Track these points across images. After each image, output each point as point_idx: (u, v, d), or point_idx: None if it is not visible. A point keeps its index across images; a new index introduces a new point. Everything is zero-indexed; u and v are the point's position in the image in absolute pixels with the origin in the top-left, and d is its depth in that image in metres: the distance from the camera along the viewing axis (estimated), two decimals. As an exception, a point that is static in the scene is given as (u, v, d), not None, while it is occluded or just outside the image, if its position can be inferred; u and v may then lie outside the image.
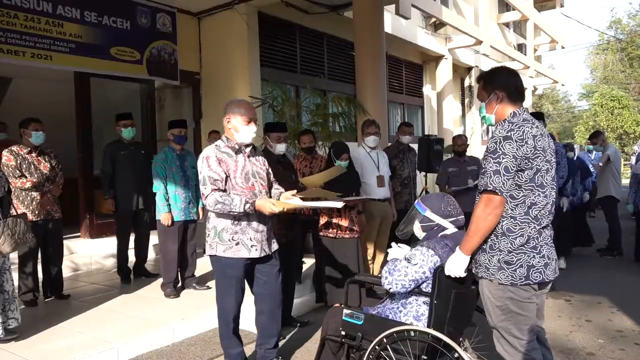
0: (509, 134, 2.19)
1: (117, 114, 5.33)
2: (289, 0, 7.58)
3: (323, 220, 4.54)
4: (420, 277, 2.48)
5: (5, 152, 4.41)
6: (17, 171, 4.40)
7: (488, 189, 2.18)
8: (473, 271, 2.38)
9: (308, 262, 5.60)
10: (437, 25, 11.75)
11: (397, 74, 11.48)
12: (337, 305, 2.86)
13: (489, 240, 2.28)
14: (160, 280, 4.94)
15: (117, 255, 5.35)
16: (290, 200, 3.08)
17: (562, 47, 19.42)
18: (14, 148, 4.49)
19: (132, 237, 5.41)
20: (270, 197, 3.24)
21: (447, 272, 2.33)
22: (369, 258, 5.25)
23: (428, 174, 7.72)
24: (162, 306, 4.47)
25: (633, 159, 7.34)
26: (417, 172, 6.49)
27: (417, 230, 2.74)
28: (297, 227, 4.49)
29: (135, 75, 6.98)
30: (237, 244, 3.01)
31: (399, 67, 11.57)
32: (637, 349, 3.67)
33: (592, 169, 8.53)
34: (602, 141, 7.25)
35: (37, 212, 4.46)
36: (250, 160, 3.12)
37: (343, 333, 2.69)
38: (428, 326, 2.39)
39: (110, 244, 6.02)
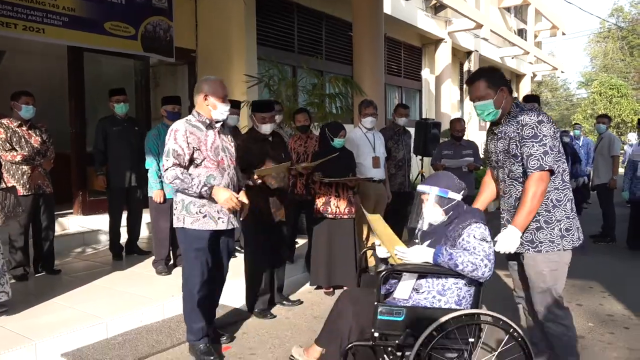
0: (540, 117, 2.49)
1: (110, 89, 5.25)
2: (287, -23, 7.44)
3: (320, 201, 4.51)
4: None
5: (-7, 126, 4.34)
6: (7, 144, 4.34)
7: (544, 169, 2.46)
8: (522, 250, 2.59)
9: (301, 243, 5.60)
10: (437, 8, 11.62)
11: (395, 56, 11.37)
12: (343, 303, 2.64)
13: (541, 216, 2.55)
14: (152, 258, 4.92)
15: (109, 232, 5.32)
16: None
17: (563, 34, 19.30)
18: (4, 121, 4.43)
19: (125, 215, 5.38)
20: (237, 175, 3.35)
21: (497, 249, 2.45)
22: (363, 239, 5.25)
23: (424, 158, 7.69)
24: (153, 283, 4.45)
25: (627, 148, 7.30)
26: (413, 155, 6.46)
27: (439, 215, 2.56)
28: (290, 207, 4.47)
29: (130, 51, 6.85)
30: (205, 216, 3.10)
31: (398, 49, 11.46)
32: (626, 332, 3.69)
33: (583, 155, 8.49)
34: (608, 125, 7.25)
35: (27, 186, 4.41)
36: (220, 136, 3.22)
37: (376, 335, 2.34)
38: (474, 307, 2.44)
39: (102, 221, 5.97)
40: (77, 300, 3.94)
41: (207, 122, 3.15)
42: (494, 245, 2.44)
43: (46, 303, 3.86)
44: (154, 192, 4.66)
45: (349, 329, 2.53)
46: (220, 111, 3.15)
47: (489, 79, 2.59)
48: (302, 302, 4.32)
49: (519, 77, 18.17)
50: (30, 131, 4.52)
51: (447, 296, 2.44)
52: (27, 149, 4.43)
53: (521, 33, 16.66)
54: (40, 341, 3.14)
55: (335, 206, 4.49)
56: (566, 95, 42.00)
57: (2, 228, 3.89)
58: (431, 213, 2.58)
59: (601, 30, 34.48)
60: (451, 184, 2.60)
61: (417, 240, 2.67)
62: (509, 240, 2.49)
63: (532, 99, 5.44)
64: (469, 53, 13.86)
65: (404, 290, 2.52)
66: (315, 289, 4.73)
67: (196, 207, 3.09)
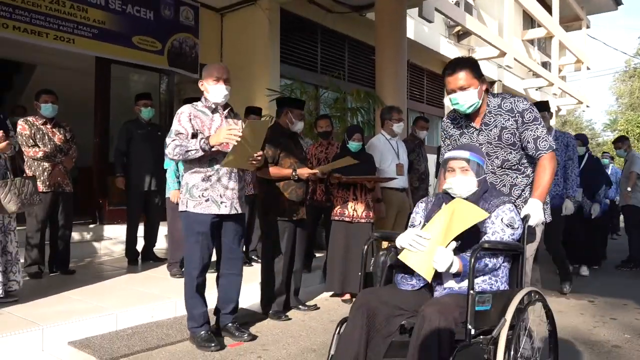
0: (528, 102, 2.56)
1: (137, 94, 5.34)
2: (311, -3, 7.58)
3: (338, 204, 4.41)
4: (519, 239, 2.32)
5: (20, 121, 4.41)
6: (31, 140, 4.39)
7: (553, 148, 2.51)
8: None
9: (318, 256, 5.46)
10: (461, 36, 11.68)
11: (418, 82, 11.38)
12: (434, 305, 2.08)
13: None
14: (167, 264, 4.84)
15: (126, 236, 5.27)
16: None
17: (588, 68, 19.12)
18: (30, 118, 4.50)
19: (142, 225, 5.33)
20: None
21: (532, 223, 2.36)
22: (383, 247, 5.08)
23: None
24: (166, 284, 4.36)
25: None
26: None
27: (474, 186, 2.31)
28: (309, 209, 4.37)
29: (156, 65, 7.01)
30: (207, 200, 3.09)
31: (420, 75, 11.48)
32: (667, 344, 3.42)
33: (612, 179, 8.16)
34: (627, 147, 7.02)
35: (47, 183, 4.42)
36: (227, 120, 3.22)
37: (473, 332, 1.97)
38: (517, 285, 2.31)
39: (120, 231, 5.94)
40: (89, 294, 3.86)
41: (213, 106, 3.20)
42: (524, 222, 2.33)
43: (57, 296, 3.80)
44: (171, 193, 4.62)
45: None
46: (214, 93, 3.15)
47: (473, 69, 2.49)
48: (318, 308, 4.16)
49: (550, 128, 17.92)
50: (54, 129, 4.57)
51: (499, 276, 2.29)
52: (49, 146, 4.47)
53: (545, 66, 16.57)
54: (48, 327, 3.06)
55: (353, 209, 4.37)
56: (591, 135, 41.42)
57: (17, 221, 3.87)
58: (469, 183, 2.31)
59: (627, 69, 34.22)
60: (483, 154, 2.44)
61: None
62: (539, 211, 2.38)
63: (543, 107, 5.04)
64: (492, 83, 13.80)
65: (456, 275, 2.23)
66: (331, 296, 4.56)
67: (199, 191, 3.09)
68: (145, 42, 6.78)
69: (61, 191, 4.56)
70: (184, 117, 3.09)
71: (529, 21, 15.59)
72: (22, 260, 3.80)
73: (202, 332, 3.14)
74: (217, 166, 3.09)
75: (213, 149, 3.03)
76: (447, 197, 2.38)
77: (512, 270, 2.34)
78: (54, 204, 4.52)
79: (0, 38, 5.56)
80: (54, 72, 7.47)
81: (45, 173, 4.43)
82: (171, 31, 7.09)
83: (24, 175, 3.84)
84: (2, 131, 3.47)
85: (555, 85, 15.73)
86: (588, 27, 19.22)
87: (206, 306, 3.20)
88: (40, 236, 4.46)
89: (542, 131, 2.50)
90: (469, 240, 2.17)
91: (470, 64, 2.50)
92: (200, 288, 3.17)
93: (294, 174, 3.73)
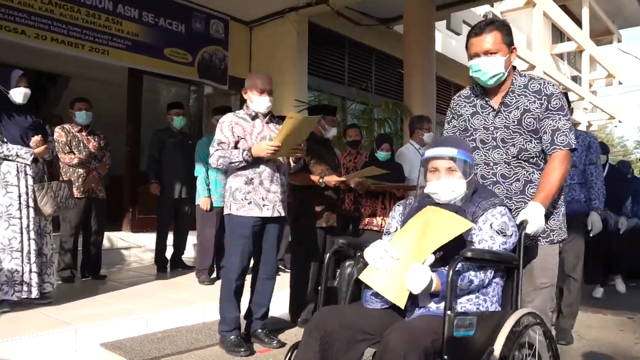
0: (558, 88, 2.19)
1: (169, 103, 5.43)
2: (339, 10, 7.63)
3: (366, 214, 4.38)
4: (512, 249, 1.93)
5: (57, 129, 4.52)
6: (67, 147, 4.49)
7: (572, 147, 2.13)
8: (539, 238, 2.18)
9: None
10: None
11: (446, 96, 11.29)
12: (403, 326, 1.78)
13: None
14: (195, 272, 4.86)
15: (155, 243, 5.32)
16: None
17: (620, 83, 18.78)
18: (66, 125, 4.62)
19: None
20: (289, 164, 3.36)
21: (530, 230, 1.96)
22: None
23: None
24: (194, 290, 4.37)
25: None
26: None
27: (462, 189, 1.95)
28: (337, 218, 4.34)
29: (186, 77, 7.13)
30: (250, 203, 3.12)
31: (448, 88, 11.41)
32: None
33: None
34: None
35: (82, 189, 4.50)
36: (268, 126, 3.28)
37: None
38: (512, 307, 1.91)
39: (149, 238, 6.01)
40: (119, 298, 3.90)
41: (253, 114, 3.24)
42: (519, 229, 1.95)
43: (89, 299, 3.85)
44: (201, 200, 4.66)
45: None
46: (257, 104, 3.21)
47: (505, 31, 2.11)
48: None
49: (573, 126, 17.64)
50: (89, 136, 4.67)
51: (489, 295, 1.89)
52: (84, 153, 4.56)
53: (575, 80, 16.33)
54: (81, 328, 3.09)
55: (382, 219, 4.32)
56: (624, 152, 40.51)
57: (51, 223, 3.94)
58: (456, 186, 1.94)
59: (659, 84, 33.49)
60: (469, 148, 2.07)
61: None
62: (539, 217, 1.98)
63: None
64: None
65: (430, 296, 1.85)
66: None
67: (242, 194, 3.12)
68: (177, 54, 6.92)
69: (94, 197, 4.65)
70: (225, 126, 3.15)
71: (558, 35, 15.42)
72: (55, 264, 3.85)
73: (232, 337, 3.13)
74: (259, 169, 3.12)
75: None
76: (430, 201, 2.01)
77: (506, 288, 1.96)
78: (87, 210, 4.60)
79: (39, 50, 5.75)
80: (87, 83, 7.67)
81: (80, 179, 4.52)
82: (202, 43, 7.22)
83: (60, 179, 3.92)
84: (40, 136, 3.56)
85: (586, 100, 15.48)
86: (619, 41, 18.92)
87: (239, 312, 3.20)
88: (73, 241, 4.54)
89: (564, 124, 2.12)
90: (451, 251, 1.75)
91: (501, 25, 2.12)
92: (238, 292, 3.18)
93: (321, 180, 3.72)
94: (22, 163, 3.50)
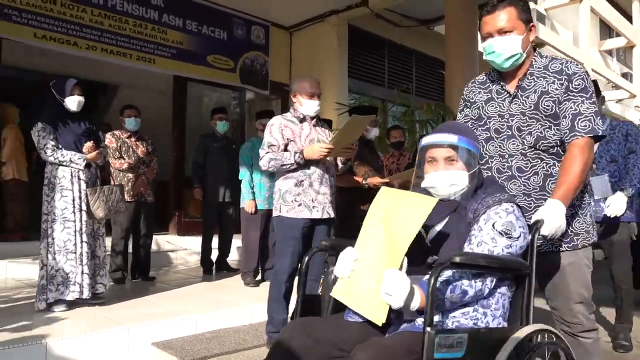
0: (582, 68, 1.91)
1: (213, 108, 5.55)
2: (379, 12, 7.60)
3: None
4: (520, 254, 1.66)
5: (108, 135, 4.67)
6: (117, 152, 4.64)
7: (597, 133, 1.85)
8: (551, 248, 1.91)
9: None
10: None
11: (488, 96, 11.10)
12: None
13: (575, 199, 1.88)
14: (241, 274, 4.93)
15: (201, 246, 5.42)
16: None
17: (674, 78, 17.91)
18: (116, 132, 4.78)
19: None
20: (337, 166, 3.36)
21: (546, 232, 1.69)
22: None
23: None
24: (240, 292, 4.42)
25: None
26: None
27: (464, 182, 1.70)
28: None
29: (229, 83, 7.26)
30: (300, 204, 3.13)
31: (491, 89, 11.19)
32: None
33: None
34: None
35: (131, 193, 4.64)
36: (316, 129, 3.30)
37: None
38: (522, 322, 1.65)
39: (195, 242, 6.13)
40: (169, 300, 3.99)
41: (301, 116, 3.26)
42: (531, 232, 1.67)
43: (140, 299, 3.96)
44: (246, 203, 4.72)
45: None
46: (307, 107, 3.24)
47: (521, 7, 1.89)
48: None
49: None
50: (137, 142, 4.82)
51: (491, 307, 1.60)
52: (133, 158, 4.71)
53: (625, 77, 15.69)
54: (133, 327, 3.17)
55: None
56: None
57: (104, 226, 4.08)
58: (457, 179, 1.69)
59: None
60: (476, 137, 1.84)
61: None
62: (557, 217, 1.70)
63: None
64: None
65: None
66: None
67: (292, 196, 3.13)
68: (219, 61, 7.05)
69: (143, 201, 4.78)
70: (274, 129, 3.18)
71: (607, 30, 14.86)
72: (108, 266, 3.98)
73: None
74: (309, 171, 3.14)
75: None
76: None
77: (515, 300, 1.68)
78: (136, 213, 4.74)
79: (89, 60, 5.98)
80: (135, 91, 7.90)
81: (130, 183, 4.65)
82: (243, 50, 7.34)
83: (112, 184, 4.05)
84: (92, 142, 3.69)
85: (638, 97, 14.83)
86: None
87: (287, 313, 3.19)
88: (124, 244, 4.68)
89: (588, 108, 1.84)
90: (444, 256, 1.52)
91: (517, 1, 1.90)
92: (287, 294, 3.18)
93: (364, 182, 3.71)
94: (75, 168, 3.64)
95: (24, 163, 5.57)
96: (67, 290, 3.51)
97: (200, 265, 5.41)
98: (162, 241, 6.36)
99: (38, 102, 4.63)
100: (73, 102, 3.68)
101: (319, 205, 3.15)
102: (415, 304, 1.46)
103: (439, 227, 1.70)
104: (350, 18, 7.64)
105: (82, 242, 3.60)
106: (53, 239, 3.55)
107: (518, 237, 1.59)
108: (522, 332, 1.51)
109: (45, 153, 3.58)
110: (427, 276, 1.42)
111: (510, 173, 1.95)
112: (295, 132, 3.21)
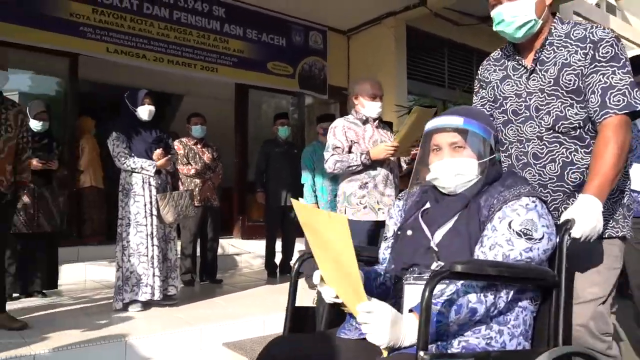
0: (611, 33, 1.63)
1: (276, 114, 5.66)
2: (438, 11, 7.47)
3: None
4: (544, 259, 1.37)
5: (176, 142, 4.85)
6: (184, 159, 4.81)
7: (636, 109, 1.55)
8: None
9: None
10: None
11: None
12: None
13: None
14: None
15: (265, 250, 5.51)
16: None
17: None
18: (184, 139, 4.96)
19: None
20: (400, 166, 3.36)
21: (579, 234, 1.41)
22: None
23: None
24: (305, 294, 4.43)
25: None
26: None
27: (472, 173, 1.43)
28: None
29: (288, 88, 7.36)
30: (365, 207, 3.12)
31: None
32: None
33: None
34: None
35: (198, 198, 4.80)
36: (379, 130, 3.30)
37: None
38: (548, 343, 1.36)
39: (258, 245, 6.25)
40: (236, 302, 4.08)
41: (364, 118, 3.26)
42: (559, 234, 1.39)
43: (209, 301, 4.08)
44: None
45: None
46: (369, 109, 3.23)
47: None
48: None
49: None
50: (203, 149, 4.98)
51: (509, 324, 1.32)
52: (200, 164, 4.87)
53: None
54: (204, 327, 3.26)
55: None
56: None
57: (175, 230, 4.23)
58: (464, 167, 1.42)
59: None
60: (489, 121, 1.54)
61: (409, 232, 1.48)
62: (592, 216, 1.43)
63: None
64: None
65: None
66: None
67: (356, 199, 3.13)
68: (279, 67, 7.17)
69: (210, 206, 4.93)
70: (338, 131, 3.20)
71: (684, 18, 13.87)
72: (179, 269, 4.13)
73: None
74: (373, 172, 3.13)
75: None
76: (435, 191, 1.53)
77: (540, 316, 1.39)
78: (203, 218, 4.89)
79: (156, 71, 6.24)
80: (198, 100, 8.19)
81: (197, 189, 4.81)
82: (301, 55, 7.43)
83: (181, 189, 4.21)
84: (161, 149, 3.85)
85: None
86: None
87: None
88: (192, 247, 4.84)
89: (621, 79, 1.55)
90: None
91: None
92: None
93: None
94: (146, 175, 3.80)
95: (100, 171, 5.88)
96: (140, 292, 3.66)
97: (265, 269, 5.50)
98: (227, 245, 6.52)
99: (113, 113, 4.89)
100: (144, 112, 3.85)
101: (384, 207, 3.13)
102: (411, 337, 1.18)
103: (446, 228, 1.42)
104: (408, 19, 7.55)
105: (153, 245, 3.75)
106: (128, 242, 3.72)
107: (540, 239, 1.31)
108: (548, 356, 1.21)
109: (119, 161, 3.77)
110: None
111: (525, 160, 1.70)
112: (359, 134, 3.21)
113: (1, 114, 3.10)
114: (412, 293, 1.35)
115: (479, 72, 1.93)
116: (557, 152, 1.65)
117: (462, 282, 1.24)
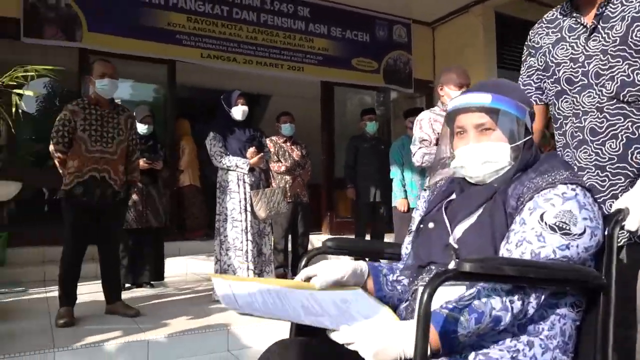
0: None
1: (363, 109, 5.69)
2: (529, -6, 7.11)
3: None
4: (587, 258, 1.13)
5: (267, 141, 5.03)
6: (275, 156, 4.97)
7: None
8: None
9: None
10: None
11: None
12: None
13: None
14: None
15: (354, 245, 5.55)
16: None
17: None
18: (274, 137, 5.12)
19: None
20: None
21: (634, 226, 1.17)
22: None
23: None
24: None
25: None
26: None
27: (504, 159, 1.21)
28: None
29: (373, 84, 7.36)
30: None
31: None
32: None
33: None
34: None
35: (288, 194, 4.93)
36: None
37: None
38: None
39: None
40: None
41: None
42: (608, 227, 1.15)
43: (302, 294, 4.17)
44: (398, 201, 4.73)
45: None
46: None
47: None
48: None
49: None
50: (293, 146, 5.12)
51: (542, 336, 1.10)
52: (289, 161, 5.00)
53: None
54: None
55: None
56: None
57: (270, 226, 4.38)
58: (493, 153, 1.21)
59: None
60: (523, 96, 1.28)
61: (431, 225, 1.28)
62: None
63: None
64: None
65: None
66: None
67: None
68: (363, 63, 7.18)
69: (299, 202, 5.05)
70: (424, 123, 3.18)
71: None
72: (273, 263, 4.27)
73: None
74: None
75: None
76: (463, 180, 1.32)
77: (584, 326, 1.15)
78: (294, 214, 5.02)
79: (245, 73, 6.50)
80: (285, 100, 8.40)
81: (287, 185, 4.95)
82: (386, 50, 7.38)
83: (273, 186, 4.36)
84: (254, 148, 4.01)
85: None
86: None
87: None
88: (284, 242, 4.99)
89: None
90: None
91: None
92: None
93: None
94: (240, 172, 3.97)
95: (197, 170, 6.24)
96: (237, 284, 3.83)
97: (354, 264, 5.54)
98: (317, 241, 6.63)
99: (208, 115, 5.16)
100: (238, 112, 4.03)
101: None
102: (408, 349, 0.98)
103: (468, 222, 1.21)
104: (497, 5, 7.24)
105: (247, 240, 3.91)
106: (225, 237, 3.92)
107: (581, 234, 1.07)
108: None
109: (216, 159, 3.98)
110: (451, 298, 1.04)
111: (581, 136, 1.43)
112: None
113: (114, 119, 3.39)
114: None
115: (528, 36, 1.67)
116: (619, 126, 1.38)
117: (482, 284, 1.05)
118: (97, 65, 3.37)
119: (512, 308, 1.04)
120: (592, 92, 1.42)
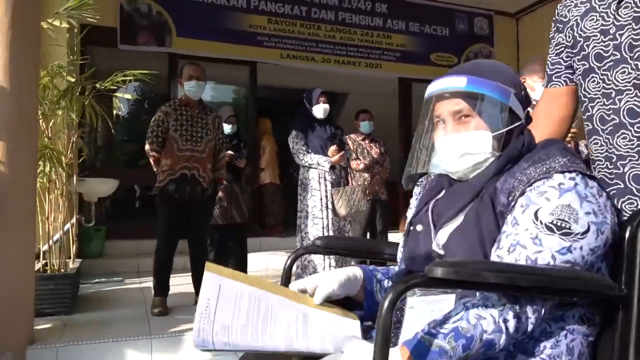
0: None
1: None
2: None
3: None
4: (595, 260, 0.96)
5: (346, 138, 5.05)
6: (353, 154, 4.98)
7: None
8: None
9: None
10: None
11: None
12: None
13: None
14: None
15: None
16: None
17: None
18: (352, 135, 5.11)
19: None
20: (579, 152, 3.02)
21: None
22: None
23: None
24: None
25: None
26: None
27: (485, 151, 1.06)
28: None
29: (453, 79, 7.16)
30: None
31: None
32: None
33: None
34: None
35: (367, 191, 4.93)
36: None
37: None
38: None
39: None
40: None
41: (533, 102, 2.98)
42: (631, 223, 0.98)
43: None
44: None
45: None
46: (539, 91, 2.94)
47: None
48: None
49: None
50: (371, 144, 5.10)
51: (544, 355, 0.95)
52: (368, 159, 5.00)
53: None
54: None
55: None
56: None
57: (349, 223, 4.40)
58: (472, 144, 1.06)
59: None
60: (508, 77, 1.10)
61: (419, 227, 1.14)
62: None
63: None
64: None
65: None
66: None
67: None
68: (442, 58, 7.02)
69: (378, 199, 5.03)
70: None
71: None
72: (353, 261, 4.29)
73: None
74: None
75: None
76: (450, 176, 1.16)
77: (601, 341, 0.98)
78: (372, 211, 5.01)
79: (323, 72, 6.56)
80: (362, 97, 8.40)
81: (366, 183, 4.95)
82: (466, 44, 7.17)
83: (353, 184, 4.37)
84: (335, 145, 4.04)
85: None
86: None
87: None
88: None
89: None
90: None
91: None
92: None
93: None
94: (322, 170, 4.02)
95: (277, 169, 6.39)
96: (319, 281, 3.89)
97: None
98: (394, 238, 6.58)
99: (288, 114, 5.27)
100: (319, 110, 4.08)
101: None
102: None
103: (453, 225, 1.05)
104: (589, -9, 6.81)
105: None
106: (306, 233, 3.98)
107: (584, 233, 0.90)
108: None
109: (297, 157, 4.06)
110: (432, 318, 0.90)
111: (617, 120, 1.21)
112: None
113: (202, 119, 3.55)
114: (414, 313, 0.97)
115: (556, 10, 1.46)
116: None
117: (471, 300, 0.90)
118: (186, 68, 3.55)
119: (506, 328, 0.88)
120: (627, 68, 1.20)
